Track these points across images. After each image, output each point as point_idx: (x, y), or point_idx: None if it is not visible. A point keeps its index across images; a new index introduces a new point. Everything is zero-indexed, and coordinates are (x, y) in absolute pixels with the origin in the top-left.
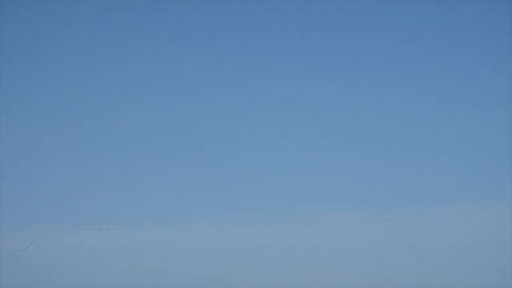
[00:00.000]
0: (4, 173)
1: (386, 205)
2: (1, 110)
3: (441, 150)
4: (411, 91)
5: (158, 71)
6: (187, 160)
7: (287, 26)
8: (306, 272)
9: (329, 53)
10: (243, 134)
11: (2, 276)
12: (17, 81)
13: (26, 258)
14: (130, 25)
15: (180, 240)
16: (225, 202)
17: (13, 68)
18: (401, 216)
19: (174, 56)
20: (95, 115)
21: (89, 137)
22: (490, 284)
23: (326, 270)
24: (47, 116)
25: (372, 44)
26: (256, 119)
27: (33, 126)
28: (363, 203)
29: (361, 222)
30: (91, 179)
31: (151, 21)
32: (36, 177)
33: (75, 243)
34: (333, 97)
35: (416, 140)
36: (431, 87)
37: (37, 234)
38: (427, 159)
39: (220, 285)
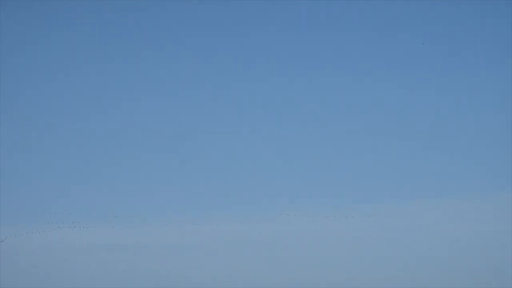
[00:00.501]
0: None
1: (383, 201)
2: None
3: (437, 146)
4: (407, 87)
5: (156, 70)
6: (185, 158)
7: (285, 24)
8: (306, 270)
9: (329, 52)
10: (238, 132)
11: None
12: (17, 81)
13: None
14: (128, 25)
15: (174, 238)
16: (220, 201)
17: (13, 68)
18: (398, 212)
19: (173, 56)
20: (90, 114)
21: (85, 136)
22: (488, 281)
23: (325, 268)
24: (42, 115)
25: (372, 43)
26: (254, 117)
27: (32, 126)
28: (361, 200)
29: (353, 217)
30: (86, 177)
31: (149, 21)
32: (31, 175)
33: (49, 241)
34: (331, 96)
35: (412, 136)
36: (426, 83)
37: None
38: (424, 155)
39: (216, 284)
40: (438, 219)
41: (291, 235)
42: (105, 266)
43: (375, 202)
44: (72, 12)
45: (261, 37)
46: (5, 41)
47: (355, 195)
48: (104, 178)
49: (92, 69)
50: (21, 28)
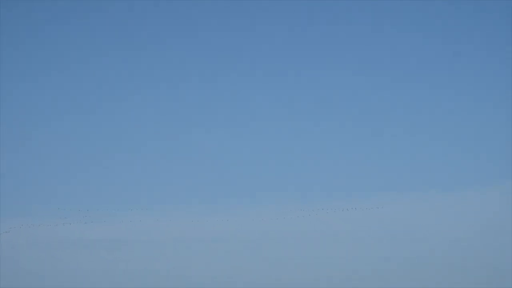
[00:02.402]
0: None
1: (385, 196)
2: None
3: (439, 140)
4: (409, 84)
5: (153, 67)
6: (186, 156)
7: (283, 22)
8: (306, 269)
9: (330, 48)
10: (240, 130)
11: None
12: (12, 79)
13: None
14: (123, 23)
15: (174, 236)
16: (220, 199)
17: (12, 68)
18: (398, 207)
19: (169, 53)
20: (87, 112)
21: (81, 133)
22: (489, 280)
23: (325, 267)
24: (39, 112)
25: (378, 39)
26: (254, 114)
27: (31, 123)
28: (361, 195)
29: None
30: (80, 174)
31: (146, 20)
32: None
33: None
34: (332, 91)
35: (414, 131)
36: (426, 79)
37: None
38: (425, 149)
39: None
40: (439, 214)
41: (292, 234)
42: (105, 264)
43: (376, 197)
44: (66, 11)
45: (258, 36)
46: (4, 41)
47: (355, 190)
48: (99, 175)
49: (88, 66)
50: (14, 26)
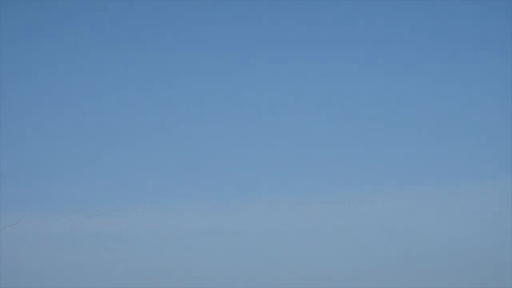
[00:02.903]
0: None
1: (381, 190)
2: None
3: (436, 136)
4: (405, 77)
5: (149, 63)
6: (187, 153)
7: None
8: (306, 268)
9: (326, 48)
10: (237, 127)
11: None
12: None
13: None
14: (124, 24)
15: (173, 233)
16: (220, 198)
17: (12, 68)
18: (397, 203)
19: (170, 53)
20: (79, 110)
21: (76, 128)
22: (489, 280)
23: (324, 264)
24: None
25: (373, 41)
26: (251, 108)
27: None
28: (359, 190)
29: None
30: (76, 168)
31: (145, 20)
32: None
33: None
34: (332, 86)
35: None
36: (426, 74)
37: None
38: (425, 144)
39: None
40: (438, 211)
41: (293, 231)
42: (105, 261)
43: (376, 192)
44: (66, 11)
45: (258, 35)
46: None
47: (355, 185)
48: (100, 171)
49: (88, 66)
50: (14, 26)
